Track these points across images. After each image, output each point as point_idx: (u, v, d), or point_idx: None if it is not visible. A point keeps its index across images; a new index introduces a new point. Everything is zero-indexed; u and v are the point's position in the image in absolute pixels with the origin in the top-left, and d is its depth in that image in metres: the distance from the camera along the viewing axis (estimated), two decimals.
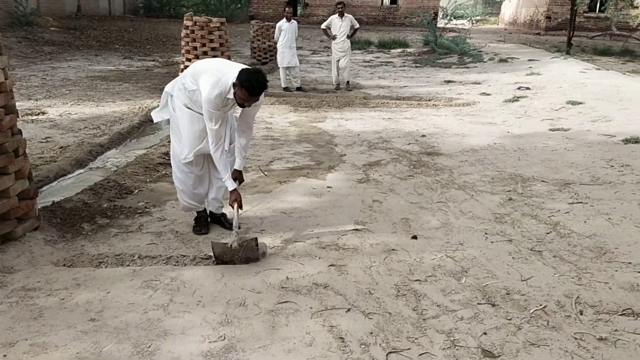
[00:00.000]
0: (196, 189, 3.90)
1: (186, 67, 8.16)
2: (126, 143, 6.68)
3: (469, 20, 33.55)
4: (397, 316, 2.93)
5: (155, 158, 5.82)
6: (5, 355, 2.53)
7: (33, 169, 4.91)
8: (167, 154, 5.42)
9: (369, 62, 16.10)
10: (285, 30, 10.55)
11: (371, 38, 20.83)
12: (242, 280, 3.28)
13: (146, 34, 20.80)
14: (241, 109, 3.62)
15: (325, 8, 29.38)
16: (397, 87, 11.47)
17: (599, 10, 26.55)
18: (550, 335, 2.76)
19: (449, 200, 4.77)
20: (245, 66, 3.50)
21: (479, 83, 11.86)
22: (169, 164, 5.07)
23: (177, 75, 3.92)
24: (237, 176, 3.72)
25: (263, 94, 3.48)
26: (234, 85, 3.37)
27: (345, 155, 6.25)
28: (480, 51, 17.15)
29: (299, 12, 30.95)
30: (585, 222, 4.21)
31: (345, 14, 10.68)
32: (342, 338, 2.73)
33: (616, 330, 2.79)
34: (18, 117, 3.70)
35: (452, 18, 26.19)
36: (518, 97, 9.73)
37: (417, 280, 3.34)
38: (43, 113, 7.64)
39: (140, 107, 8.27)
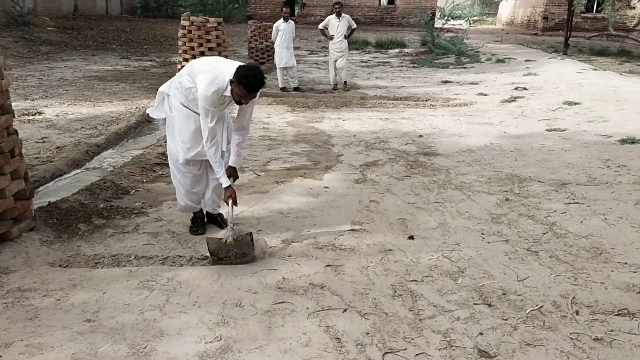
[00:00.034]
0: (194, 188, 3.89)
1: (183, 67, 8.18)
2: (123, 143, 6.67)
3: (466, 21, 33.53)
4: (393, 316, 2.93)
5: (152, 158, 5.81)
6: (0, 356, 2.53)
7: (29, 169, 4.89)
8: (164, 154, 5.42)
9: (366, 62, 16.11)
10: (283, 31, 10.54)
11: (369, 38, 20.84)
12: (239, 280, 3.28)
13: (143, 34, 20.77)
14: (238, 107, 3.62)
15: (322, 8, 29.39)
16: (395, 88, 11.47)
17: (596, 11, 26.61)
18: (546, 336, 2.76)
19: (445, 200, 4.78)
20: (241, 63, 3.49)
21: (476, 83, 11.87)
22: (166, 164, 5.07)
23: (174, 76, 3.92)
24: (232, 173, 3.70)
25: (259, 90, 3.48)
26: (231, 82, 3.36)
27: (342, 155, 6.25)
28: (477, 51, 17.17)
29: (296, 12, 30.96)
30: (581, 222, 4.22)
31: (343, 14, 10.68)
32: (338, 338, 2.73)
33: (612, 330, 2.80)
34: (14, 117, 3.68)
35: (449, 18, 26.20)
36: (515, 98, 9.74)
37: (414, 280, 3.34)
38: (40, 113, 7.62)
39: (137, 107, 8.25)
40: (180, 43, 9.67)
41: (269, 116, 8.36)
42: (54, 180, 5.13)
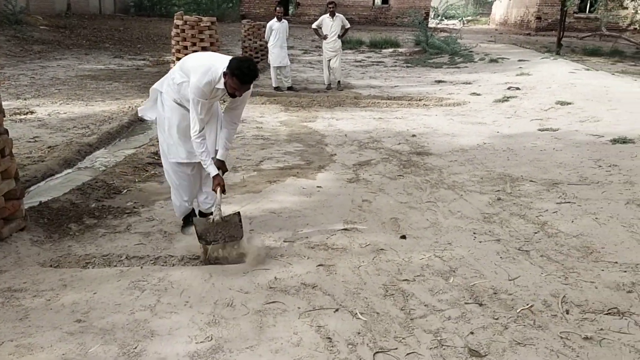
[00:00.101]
0: (188, 189, 3.88)
1: None
2: (115, 143, 6.65)
3: (460, 21, 33.67)
4: (384, 316, 2.94)
5: (145, 158, 5.79)
6: None
7: (21, 169, 4.87)
8: (157, 153, 5.41)
9: (360, 61, 16.12)
10: (276, 30, 10.53)
11: (363, 38, 20.85)
12: (230, 280, 3.28)
13: (137, 32, 20.69)
14: (230, 101, 3.61)
15: (316, 8, 29.37)
16: (388, 87, 11.49)
17: (589, 11, 26.73)
18: (536, 335, 2.77)
19: (438, 200, 4.79)
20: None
21: (469, 83, 11.90)
22: (159, 164, 5.06)
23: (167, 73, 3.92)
24: (220, 166, 3.67)
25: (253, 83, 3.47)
26: (225, 74, 3.36)
27: (335, 154, 6.25)
28: (471, 51, 17.21)
29: (290, 12, 30.94)
30: (572, 221, 4.24)
31: (337, 14, 10.68)
32: (329, 338, 2.73)
33: (601, 329, 2.82)
34: (4, 116, 3.66)
35: (443, 18, 26.24)
36: (508, 97, 9.78)
37: (406, 280, 3.35)
38: (32, 112, 7.58)
39: (130, 107, 8.22)
40: (173, 42, 9.63)
41: (263, 115, 8.35)
42: (45, 180, 5.10)
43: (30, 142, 6.17)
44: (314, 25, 10.97)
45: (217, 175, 3.58)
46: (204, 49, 9.14)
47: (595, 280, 3.32)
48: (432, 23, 24.76)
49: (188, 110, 3.55)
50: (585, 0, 27.17)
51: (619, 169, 5.45)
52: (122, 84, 10.53)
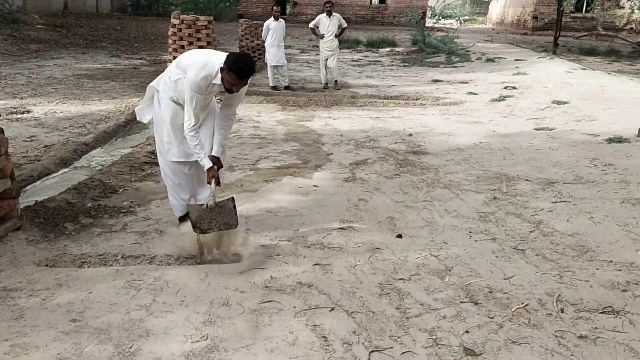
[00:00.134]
0: (185, 188, 3.88)
1: None
2: (112, 142, 6.64)
3: (457, 20, 33.71)
4: (380, 315, 2.94)
5: (141, 157, 5.79)
6: None
7: (17, 168, 4.87)
8: (153, 152, 5.41)
9: (357, 61, 16.12)
10: (273, 29, 10.53)
11: (360, 37, 20.86)
12: (226, 279, 3.28)
13: (134, 32, 20.66)
14: (225, 97, 3.61)
15: (314, 7, 29.37)
16: (385, 86, 11.50)
17: (586, 11, 26.79)
18: (531, 333, 2.78)
19: (434, 199, 4.80)
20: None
21: (466, 82, 11.92)
22: (155, 163, 5.05)
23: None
24: (215, 162, 3.66)
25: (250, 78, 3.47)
26: (222, 70, 3.36)
27: (332, 154, 6.26)
28: (467, 51, 17.24)
29: (287, 11, 30.92)
30: (568, 220, 4.25)
31: (334, 13, 10.69)
32: (325, 337, 2.73)
33: (596, 328, 2.83)
34: (0, 115, 3.65)
35: (440, 17, 26.27)
36: (504, 97, 9.80)
37: (401, 279, 3.35)
38: (28, 112, 7.57)
39: (126, 106, 8.21)
40: (170, 41, 9.62)
41: (260, 115, 8.35)
42: (41, 179, 5.09)
43: (26, 141, 6.15)
44: (311, 25, 10.98)
45: (212, 167, 3.57)
46: (200, 48, 9.13)
47: (590, 279, 3.33)
48: (429, 22, 24.82)
49: (183, 108, 3.55)
50: (581, 0, 27.22)
51: (615, 168, 5.46)
52: (119, 83, 10.52)
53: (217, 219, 3.44)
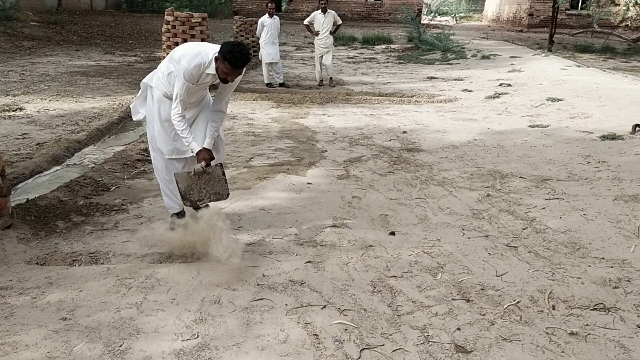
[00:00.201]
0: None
1: None
2: (105, 139, 6.60)
3: (452, 17, 33.69)
4: (372, 312, 2.94)
5: (134, 154, 5.76)
6: None
7: (9, 166, 4.84)
8: (146, 150, 5.37)
9: (352, 58, 16.09)
10: (268, 26, 10.50)
11: (355, 34, 20.81)
12: (218, 277, 3.26)
13: (128, 29, 20.56)
14: (219, 88, 3.59)
15: (309, 4, 29.30)
16: (380, 84, 11.49)
17: (581, 8, 26.82)
18: (522, 330, 2.78)
19: (427, 196, 4.79)
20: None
21: (461, 79, 11.92)
22: (148, 161, 5.03)
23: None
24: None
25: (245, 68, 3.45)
26: (216, 59, 3.34)
27: (326, 151, 6.24)
28: (463, 48, 17.23)
29: (283, 8, 30.84)
30: (560, 217, 4.25)
31: (329, 10, 10.66)
32: (316, 335, 2.73)
33: (587, 325, 2.83)
34: None
35: (436, 15, 26.25)
36: (499, 94, 9.80)
37: (393, 276, 3.35)
38: (21, 109, 7.52)
39: (120, 103, 8.18)
40: (164, 38, 9.60)
41: (254, 112, 8.33)
42: (33, 177, 5.06)
43: (18, 139, 6.12)
44: (305, 22, 10.94)
45: (201, 150, 3.52)
46: None
47: (581, 276, 3.34)
48: (424, 19, 24.79)
49: None
50: None
51: (608, 165, 5.47)
52: (112, 80, 10.47)
53: (206, 187, 3.38)
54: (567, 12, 26.72)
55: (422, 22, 22.42)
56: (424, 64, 14.99)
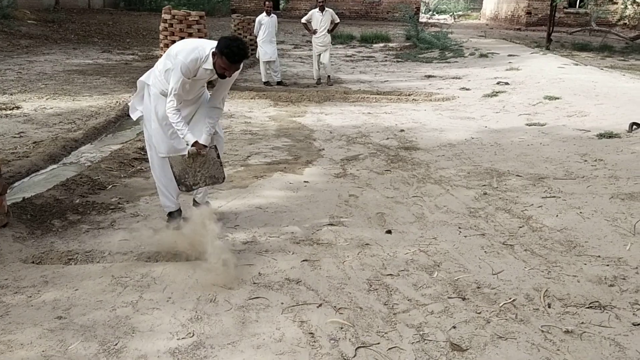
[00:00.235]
0: (173, 184, 3.84)
1: None
2: (102, 138, 6.59)
3: (451, 15, 33.69)
4: (367, 311, 2.94)
5: (131, 153, 5.75)
6: None
7: (5, 165, 4.83)
8: (143, 148, 5.36)
9: (350, 56, 16.08)
10: (266, 25, 10.48)
11: (353, 32, 20.80)
12: (214, 278, 3.25)
13: (126, 27, 20.53)
14: (217, 84, 3.58)
15: (307, 2, 29.27)
16: (378, 82, 11.48)
17: (579, 6, 26.83)
18: (518, 328, 2.78)
19: (424, 194, 4.79)
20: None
21: (459, 78, 11.91)
22: (145, 159, 5.03)
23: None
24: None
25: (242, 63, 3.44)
26: (214, 54, 3.34)
27: (323, 149, 6.24)
28: (461, 46, 17.23)
29: (281, 6, 30.80)
30: (557, 216, 4.26)
31: (326, 8, 10.65)
32: (312, 333, 2.73)
33: (582, 322, 2.83)
34: None
35: (434, 13, 26.23)
36: (497, 92, 9.80)
37: (390, 274, 3.35)
38: (17, 107, 7.51)
39: (117, 102, 8.16)
40: (161, 37, 9.59)
41: (251, 110, 8.32)
42: (29, 176, 5.05)
43: (15, 137, 6.10)
44: (303, 20, 10.93)
45: (196, 141, 3.50)
46: None
47: (577, 274, 3.34)
48: (423, 18, 24.78)
49: None
50: None
51: (605, 164, 5.48)
52: (110, 78, 10.45)
53: (202, 171, 3.35)
54: (565, 10, 26.74)
55: (420, 20, 22.43)
56: (422, 62, 14.99)
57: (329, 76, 11.16)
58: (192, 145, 3.48)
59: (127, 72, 11.40)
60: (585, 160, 5.64)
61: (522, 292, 3.13)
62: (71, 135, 6.23)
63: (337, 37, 18.12)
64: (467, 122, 7.72)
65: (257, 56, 10.98)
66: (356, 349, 2.61)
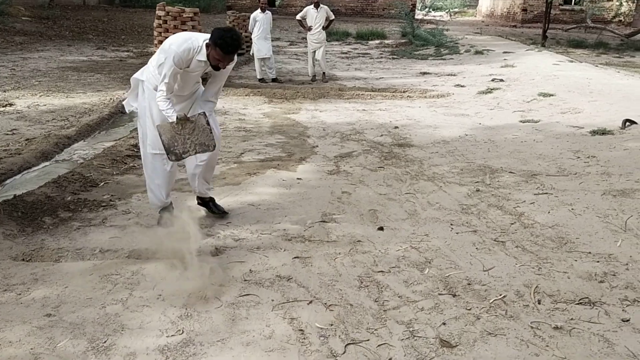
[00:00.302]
0: (164, 182, 3.84)
1: None
2: (95, 135, 6.56)
3: (447, 12, 33.67)
4: (358, 307, 2.94)
5: (124, 150, 5.73)
6: None
7: None
8: (136, 145, 5.36)
9: (346, 53, 16.05)
10: (261, 21, 10.45)
11: (349, 29, 20.77)
12: (205, 273, 3.25)
13: (121, 24, 20.43)
14: (211, 77, 3.58)
15: None
16: (373, 79, 11.47)
17: (575, 3, 26.85)
18: (507, 325, 2.79)
19: (417, 191, 4.79)
20: None
21: (454, 75, 11.92)
22: (137, 156, 5.02)
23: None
24: None
25: (237, 54, 3.43)
26: (207, 46, 3.33)
27: (317, 146, 6.23)
28: (456, 43, 17.23)
29: (277, 3, 30.72)
30: (549, 212, 4.26)
31: (321, 5, 10.64)
32: (301, 330, 2.73)
33: (572, 319, 2.84)
34: None
35: (430, 10, 26.20)
36: (491, 89, 9.81)
37: (381, 271, 3.35)
38: (10, 104, 7.47)
39: (111, 99, 8.13)
40: (155, 33, 9.56)
41: (246, 107, 8.30)
42: (21, 173, 5.03)
43: (7, 134, 6.08)
44: (298, 16, 10.92)
45: (183, 114, 3.46)
46: None
47: (568, 271, 3.35)
48: (419, 15, 24.74)
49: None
50: None
51: (597, 160, 5.49)
52: (104, 75, 10.40)
53: (191, 138, 3.30)
54: (561, 7, 26.76)
55: (416, 17, 22.38)
56: (418, 59, 14.99)
57: (324, 73, 11.15)
58: (178, 118, 3.41)
59: (122, 69, 11.36)
60: (578, 157, 5.65)
61: (512, 289, 3.14)
62: (64, 132, 6.20)
63: (332, 33, 18.10)
64: (461, 119, 7.73)
65: (251, 53, 10.95)
66: (346, 346, 2.61)
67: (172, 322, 2.76)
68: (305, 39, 11.68)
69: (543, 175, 5.13)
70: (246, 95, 9.25)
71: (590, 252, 3.58)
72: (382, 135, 6.81)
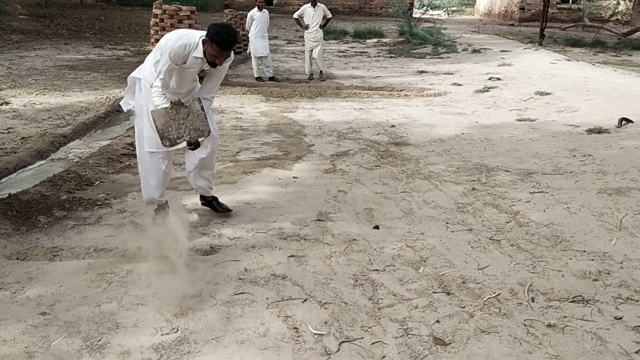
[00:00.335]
0: (159, 182, 3.83)
1: None
2: (91, 134, 6.56)
3: (444, 11, 33.69)
4: (352, 306, 2.95)
5: (120, 149, 5.73)
6: None
7: None
8: (132, 144, 5.35)
9: (343, 52, 16.04)
10: (257, 20, 10.44)
11: (347, 28, 20.76)
12: (199, 272, 3.25)
13: (118, 22, 20.39)
14: (208, 74, 3.57)
15: None
16: (371, 77, 11.47)
17: (572, 2, 26.87)
18: (501, 323, 2.80)
19: (413, 190, 4.80)
20: None
21: (451, 73, 11.92)
22: (133, 155, 5.00)
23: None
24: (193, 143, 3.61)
25: (233, 51, 3.43)
26: (204, 42, 3.32)
27: (313, 145, 6.24)
28: (454, 42, 17.23)
29: (274, 1, 30.69)
30: (544, 211, 4.27)
31: (318, 4, 10.63)
32: (296, 328, 2.73)
33: (565, 317, 2.85)
34: None
35: (428, 8, 26.19)
36: (489, 88, 9.82)
37: (376, 270, 3.36)
38: (6, 103, 7.46)
39: (107, 97, 8.12)
40: (152, 32, 9.55)
41: (242, 106, 8.30)
42: (17, 172, 5.02)
43: (3, 133, 6.07)
44: (295, 15, 10.91)
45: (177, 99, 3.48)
46: None
47: (562, 269, 3.36)
48: (416, 13, 24.73)
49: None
50: None
51: (593, 159, 5.50)
52: (101, 74, 10.39)
53: (185, 123, 3.28)
54: (558, 6, 26.77)
55: (413, 16, 22.38)
56: (415, 58, 14.99)
57: (321, 72, 11.15)
58: (172, 102, 3.40)
59: (119, 67, 11.34)
60: (574, 156, 5.66)
61: (506, 287, 3.15)
62: (60, 131, 6.19)
63: (330, 32, 18.09)
64: (458, 118, 7.73)
65: (248, 52, 10.94)
66: (340, 344, 2.61)
67: (166, 320, 2.77)
68: (303, 37, 11.67)
69: (539, 174, 5.14)
70: (243, 94, 9.24)
71: (585, 251, 3.59)
72: (378, 134, 6.81)
